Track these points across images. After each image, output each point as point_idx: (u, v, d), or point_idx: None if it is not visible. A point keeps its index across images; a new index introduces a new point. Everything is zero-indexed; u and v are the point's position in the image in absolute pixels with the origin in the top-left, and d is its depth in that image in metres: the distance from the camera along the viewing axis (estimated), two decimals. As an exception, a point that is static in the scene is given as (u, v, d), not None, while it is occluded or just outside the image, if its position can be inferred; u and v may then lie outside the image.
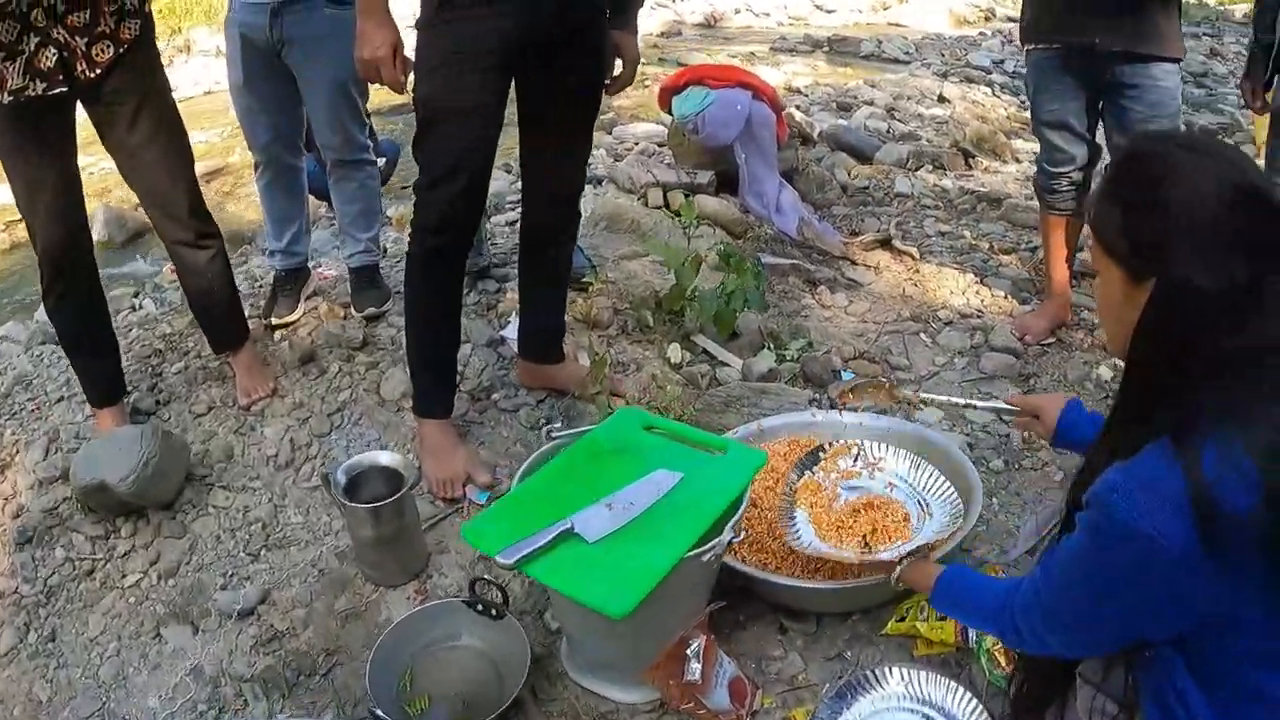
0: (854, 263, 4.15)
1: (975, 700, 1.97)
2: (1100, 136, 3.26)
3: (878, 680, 2.03)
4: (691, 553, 1.73)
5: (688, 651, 1.89)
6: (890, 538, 2.21)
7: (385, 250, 3.67)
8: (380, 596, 2.33)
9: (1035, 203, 4.55)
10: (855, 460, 2.44)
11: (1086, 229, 3.26)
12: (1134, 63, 2.94)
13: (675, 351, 3.30)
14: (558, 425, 2.17)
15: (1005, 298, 3.77)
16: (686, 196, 4.30)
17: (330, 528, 2.52)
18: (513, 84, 2.40)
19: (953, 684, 2.00)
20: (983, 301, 3.76)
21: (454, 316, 2.59)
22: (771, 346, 3.41)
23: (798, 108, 6.30)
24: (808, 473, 2.40)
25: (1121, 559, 1.27)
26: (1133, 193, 1.34)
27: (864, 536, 2.22)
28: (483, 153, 2.37)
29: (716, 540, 1.77)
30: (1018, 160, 5.51)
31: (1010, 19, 12.28)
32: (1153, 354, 1.33)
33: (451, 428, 2.66)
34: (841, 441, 2.49)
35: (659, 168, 4.65)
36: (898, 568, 1.99)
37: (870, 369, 3.30)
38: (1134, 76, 2.95)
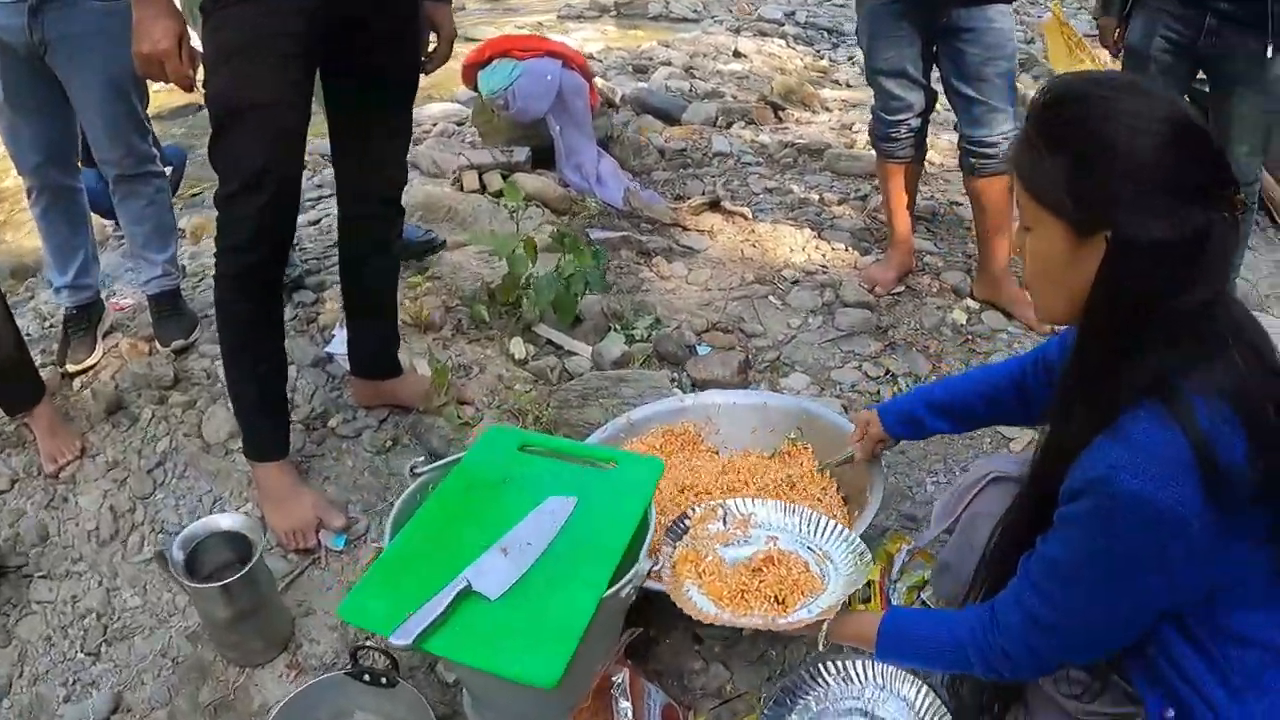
0: (685, 228, 3.99)
1: (911, 676, 1.89)
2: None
3: (813, 679, 1.91)
4: (609, 591, 1.53)
5: (613, 690, 1.70)
6: (802, 593, 2.00)
7: (184, 270, 3.27)
8: (248, 679, 2.03)
9: (858, 151, 4.57)
10: (724, 522, 2.23)
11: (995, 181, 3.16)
12: (969, 6, 2.87)
13: (518, 346, 3.08)
14: (421, 460, 1.91)
15: (846, 249, 3.70)
16: (504, 177, 4.07)
17: (175, 605, 2.19)
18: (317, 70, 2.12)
19: (888, 667, 1.90)
20: (824, 256, 3.68)
21: (278, 342, 2.29)
22: (618, 328, 3.21)
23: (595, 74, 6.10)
24: (679, 544, 2.07)
25: (1142, 538, 1.19)
26: (1075, 141, 1.24)
27: (774, 596, 2.01)
28: (291, 152, 2.08)
29: (634, 571, 1.58)
30: (828, 109, 5.48)
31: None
32: (1114, 316, 1.24)
33: (291, 468, 2.37)
34: (704, 507, 2.25)
35: (468, 149, 4.38)
36: (823, 628, 1.71)
37: (726, 340, 3.17)
38: (970, 20, 2.88)
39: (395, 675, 1.72)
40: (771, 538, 2.09)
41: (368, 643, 1.84)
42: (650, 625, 2.05)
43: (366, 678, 1.71)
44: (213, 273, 2.21)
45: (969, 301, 3.32)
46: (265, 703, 1.97)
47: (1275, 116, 2.80)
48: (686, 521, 2.10)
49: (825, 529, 2.08)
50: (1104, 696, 1.45)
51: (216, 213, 2.12)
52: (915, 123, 3.13)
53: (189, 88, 2.00)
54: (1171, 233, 1.17)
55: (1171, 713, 1.31)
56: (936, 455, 2.63)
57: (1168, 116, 1.20)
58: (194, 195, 4.47)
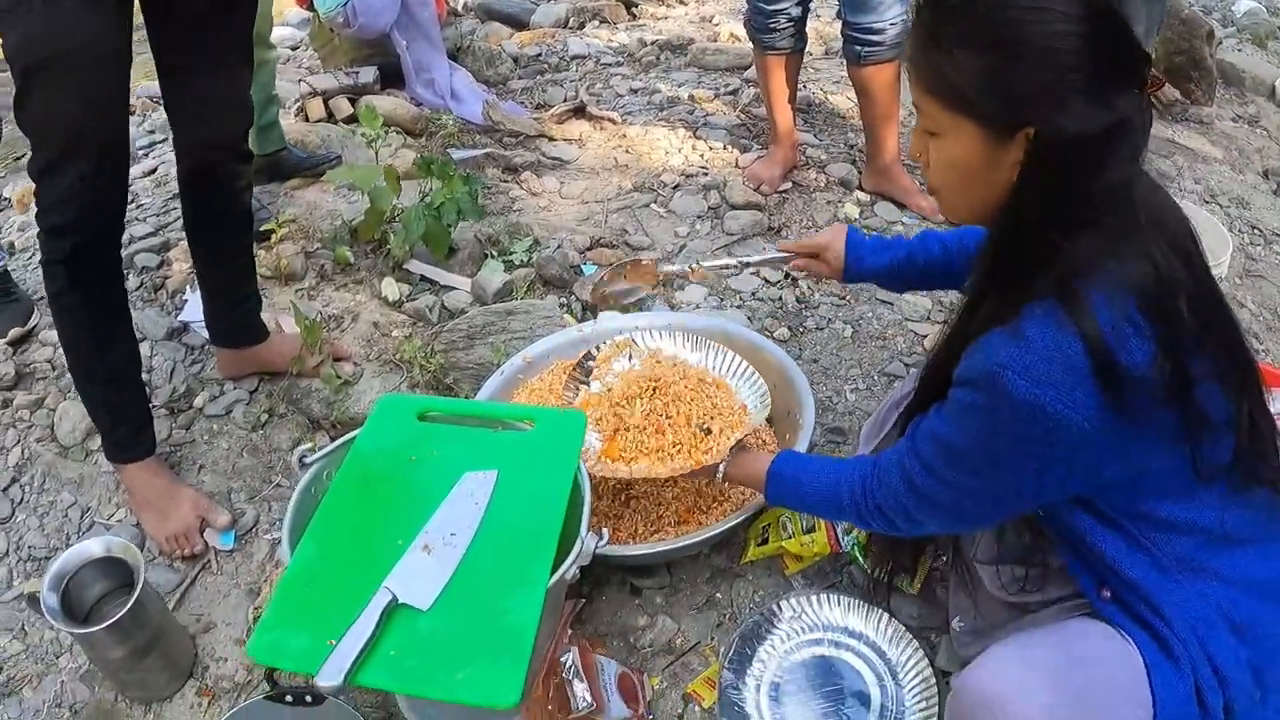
0: (552, 139, 3.75)
1: (868, 605, 1.83)
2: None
3: (769, 621, 1.80)
4: (553, 579, 1.36)
5: (565, 674, 1.55)
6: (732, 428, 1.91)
7: (12, 247, 2.89)
8: (157, 716, 1.79)
9: (723, 44, 4.37)
10: (630, 359, 2.12)
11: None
12: None
13: (391, 287, 2.83)
14: (308, 446, 1.67)
15: (725, 148, 3.51)
16: (352, 101, 3.74)
17: (61, 643, 1.91)
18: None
19: (843, 599, 1.85)
20: (703, 157, 3.49)
21: (125, 328, 2.01)
22: (495, 255, 2.99)
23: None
24: (583, 388, 2.04)
25: (1027, 435, 1.15)
26: (985, 36, 1.16)
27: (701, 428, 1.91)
28: (115, 106, 1.78)
29: (576, 551, 1.40)
30: (683, 3, 5.22)
31: None
32: (1035, 212, 1.19)
33: (161, 464, 2.12)
34: (609, 341, 2.16)
35: (308, 75, 4.01)
36: (721, 466, 1.73)
37: (611, 256, 2.98)
38: None
39: (320, 691, 1.53)
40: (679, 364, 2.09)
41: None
42: (583, 583, 1.90)
43: (289, 699, 1.51)
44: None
45: (859, 194, 3.20)
46: (181, 740, 1.75)
47: None
48: (591, 362, 2.08)
49: (733, 365, 2.07)
50: (1049, 587, 1.43)
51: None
52: (795, 11, 2.94)
53: None
54: (1094, 123, 1.12)
55: (1108, 593, 1.29)
56: (852, 361, 2.52)
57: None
58: (16, 159, 3.96)
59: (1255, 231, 3.23)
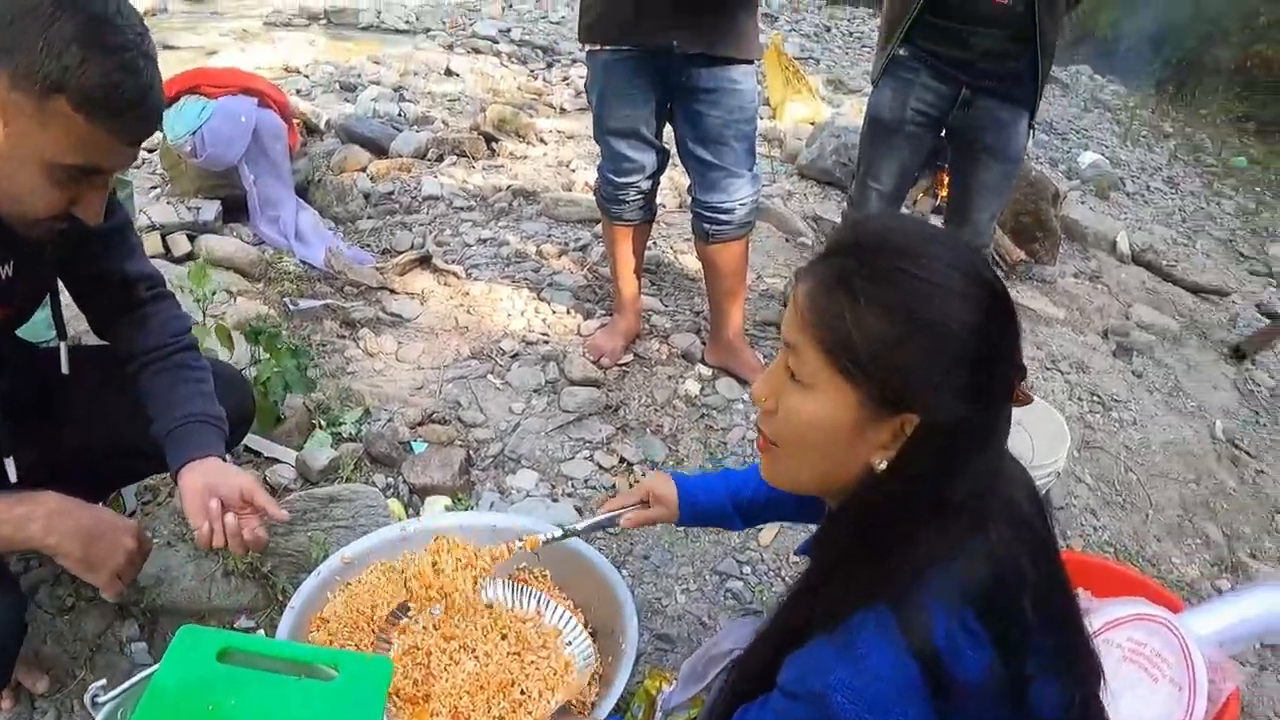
0: (394, 292, 3.68)
1: None
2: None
3: None
4: None
5: None
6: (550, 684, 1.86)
7: None
8: None
9: (576, 194, 4.42)
10: (444, 610, 2.06)
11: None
12: (712, 65, 2.67)
13: (213, 460, 2.70)
14: (101, 684, 1.55)
15: (569, 312, 3.50)
16: (191, 239, 3.62)
17: None
18: None
19: None
20: (545, 321, 3.46)
21: None
22: (324, 424, 2.88)
23: (299, 91, 5.75)
24: (394, 644, 1.95)
25: None
26: (898, 303, 1.06)
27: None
28: None
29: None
30: (544, 141, 5.27)
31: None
32: (901, 499, 1.10)
33: None
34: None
35: (149, 201, 3.88)
36: None
37: (444, 433, 2.89)
38: (712, 80, 2.69)
39: None
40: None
41: None
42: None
43: None
44: None
45: (701, 368, 3.21)
46: None
47: (1012, 183, 2.89)
48: (404, 614, 2.02)
49: (561, 617, 2.02)
50: None
51: None
52: (646, 185, 2.95)
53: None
54: (976, 415, 1.07)
55: None
56: (684, 559, 2.49)
57: (984, 282, 1.09)
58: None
59: (1094, 399, 3.34)
